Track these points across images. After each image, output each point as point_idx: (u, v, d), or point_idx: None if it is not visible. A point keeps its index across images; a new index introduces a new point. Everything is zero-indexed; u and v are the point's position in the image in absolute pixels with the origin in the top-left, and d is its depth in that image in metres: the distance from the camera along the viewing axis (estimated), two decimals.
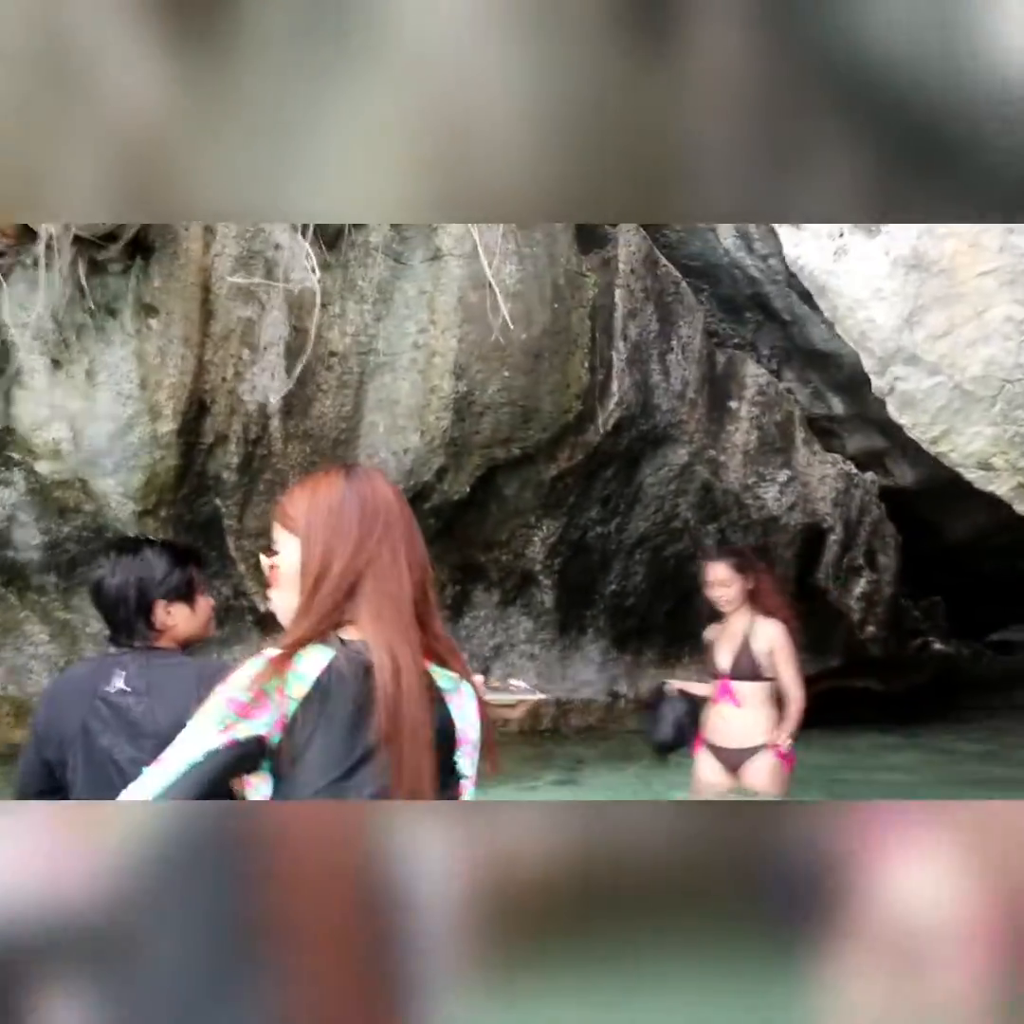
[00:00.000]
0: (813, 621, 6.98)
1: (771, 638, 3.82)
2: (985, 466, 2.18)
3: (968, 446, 2.12)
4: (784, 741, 3.83)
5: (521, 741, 6.44)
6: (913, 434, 2.11)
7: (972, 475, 2.22)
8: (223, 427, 4.42)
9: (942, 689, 8.12)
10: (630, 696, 7.04)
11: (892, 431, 7.52)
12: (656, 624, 6.94)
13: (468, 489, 5.33)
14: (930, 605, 7.66)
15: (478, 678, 1.60)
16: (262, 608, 5.06)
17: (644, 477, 6.17)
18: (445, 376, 4.98)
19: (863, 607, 6.60)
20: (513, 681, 1.97)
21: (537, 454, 5.45)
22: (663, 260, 5.73)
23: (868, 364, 2.10)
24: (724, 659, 3.89)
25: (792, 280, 6.42)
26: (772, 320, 6.64)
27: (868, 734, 6.84)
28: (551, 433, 5.31)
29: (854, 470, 6.43)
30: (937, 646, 7.47)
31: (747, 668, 3.83)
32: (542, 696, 1.94)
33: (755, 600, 3.87)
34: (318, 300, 4.26)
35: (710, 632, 4.07)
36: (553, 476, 5.66)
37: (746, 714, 3.82)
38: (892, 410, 2.16)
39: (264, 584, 1.46)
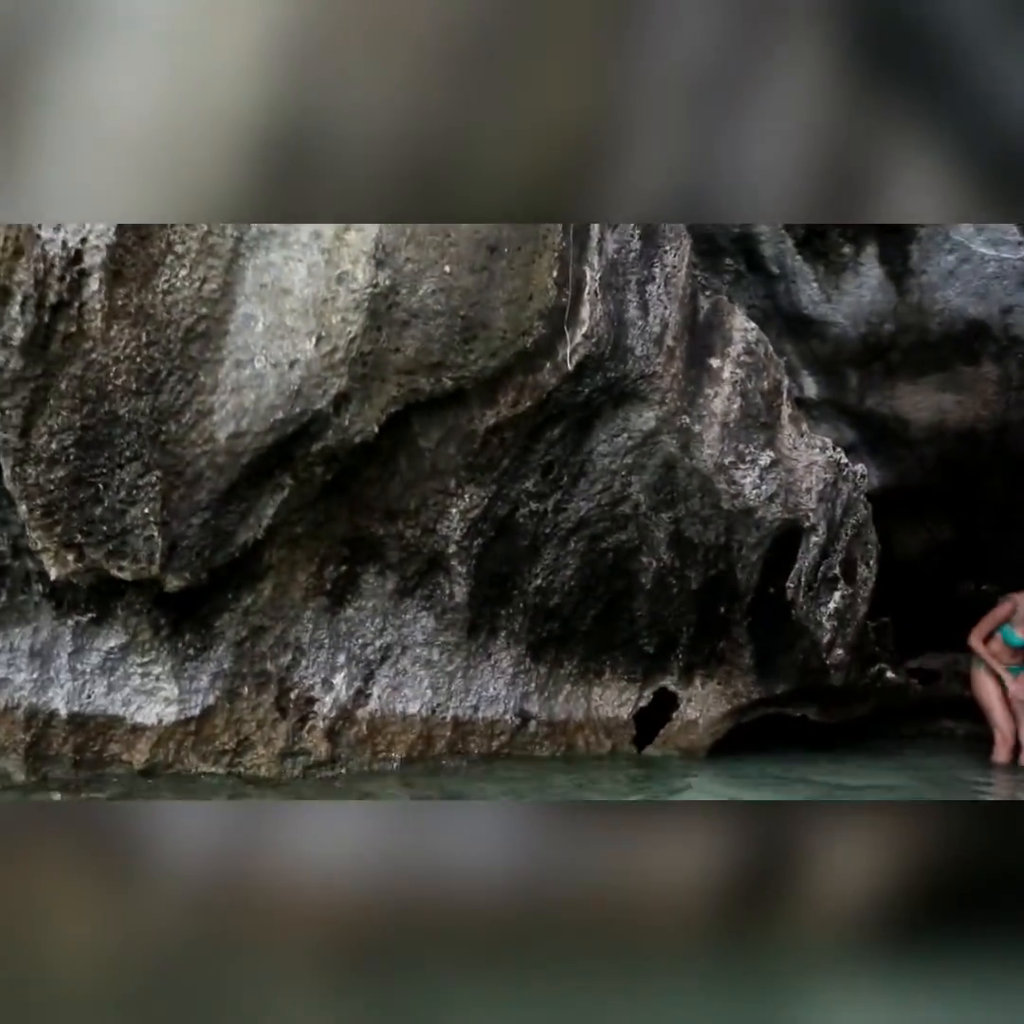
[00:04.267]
0: (767, 639, 5.87)
1: None
2: None
3: None
4: None
5: (409, 772, 4.99)
6: None
7: None
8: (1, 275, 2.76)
9: (866, 719, 7.34)
10: (542, 718, 5.71)
11: (865, 424, 6.61)
12: (579, 631, 5.63)
13: (376, 430, 3.84)
14: (880, 627, 6.67)
15: None
16: (55, 573, 3.41)
17: (596, 444, 4.83)
18: (360, 261, 3.47)
19: (835, 626, 5.49)
20: None
21: (473, 392, 4.01)
22: None
23: None
24: None
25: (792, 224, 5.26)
26: (756, 272, 5.46)
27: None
28: (499, 362, 3.88)
29: (845, 460, 5.31)
30: (889, 675, 6.49)
31: None
32: None
33: None
34: None
35: None
36: (489, 427, 4.24)
37: None
38: None
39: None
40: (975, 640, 6.71)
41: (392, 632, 4.89)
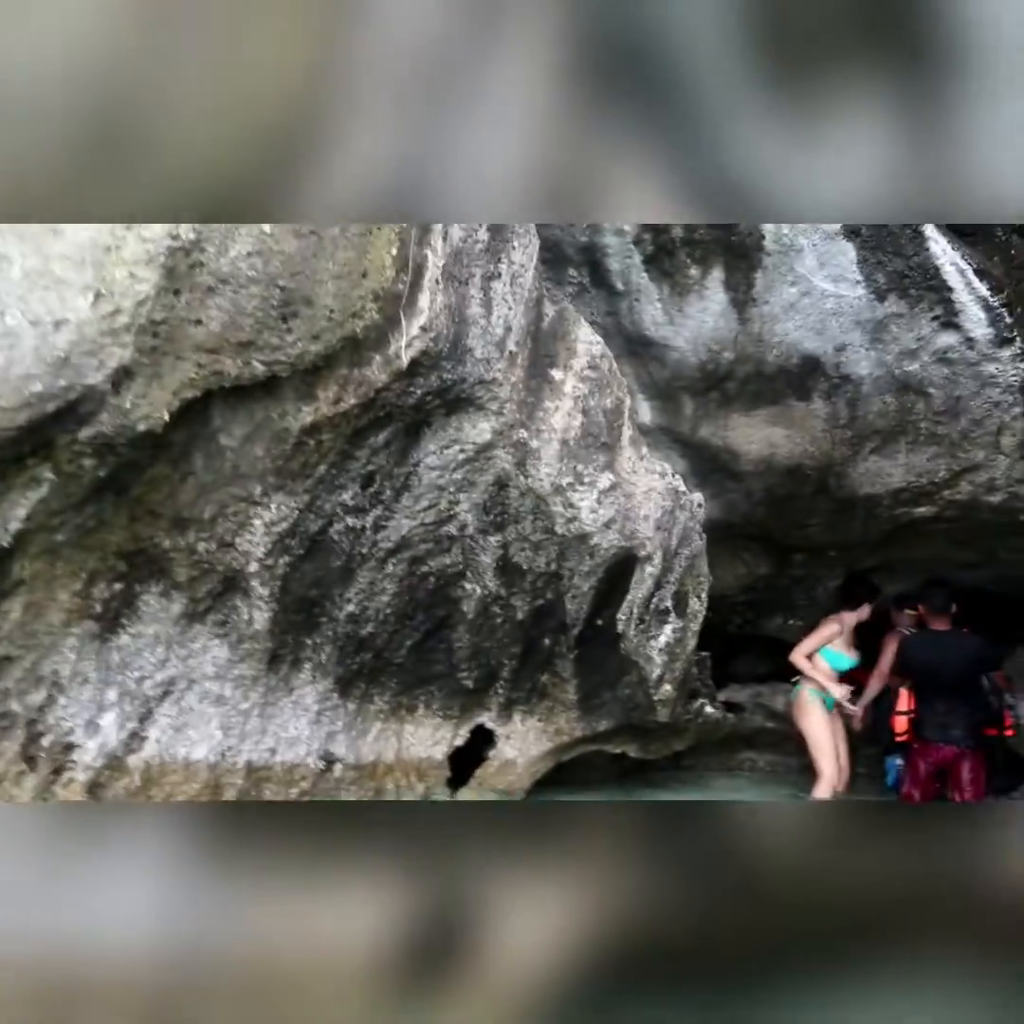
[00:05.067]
0: (592, 673, 5.55)
1: None
2: None
3: None
4: None
5: None
6: None
7: None
8: None
9: (679, 754, 7.24)
10: (349, 760, 5.09)
11: (696, 454, 6.47)
12: (393, 663, 5.08)
13: (166, 418, 3.16)
14: (700, 661, 6.52)
15: None
16: None
17: (424, 455, 4.34)
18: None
19: (665, 661, 5.24)
20: None
21: (288, 382, 3.43)
22: None
23: None
24: None
25: (642, 235, 5.01)
26: (600, 286, 5.16)
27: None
28: (322, 347, 3.32)
29: (682, 487, 5.08)
30: (708, 709, 6.32)
31: None
32: None
33: None
34: None
35: None
36: (304, 426, 3.66)
37: None
38: None
39: None
40: (799, 657, 6.31)
41: (176, 663, 4.16)
